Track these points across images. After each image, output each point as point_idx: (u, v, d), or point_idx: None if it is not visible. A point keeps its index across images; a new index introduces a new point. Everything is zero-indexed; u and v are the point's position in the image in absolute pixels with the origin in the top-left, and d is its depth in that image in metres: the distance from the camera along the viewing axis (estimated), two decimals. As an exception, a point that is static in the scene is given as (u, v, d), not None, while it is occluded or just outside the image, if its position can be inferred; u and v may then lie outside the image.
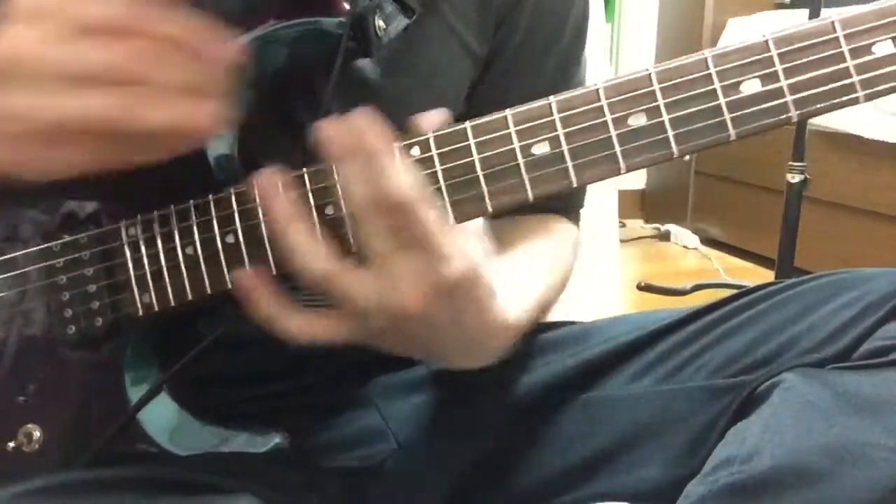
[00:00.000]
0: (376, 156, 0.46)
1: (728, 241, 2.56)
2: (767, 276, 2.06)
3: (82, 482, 0.53)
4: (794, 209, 1.64)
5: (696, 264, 2.50)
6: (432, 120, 0.50)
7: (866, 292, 0.55)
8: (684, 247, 2.64)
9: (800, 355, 0.55)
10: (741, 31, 2.41)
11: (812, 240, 1.83)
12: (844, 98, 0.44)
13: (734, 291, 0.64)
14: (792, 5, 2.39)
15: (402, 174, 0.46)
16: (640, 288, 2.07)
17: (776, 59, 0.45)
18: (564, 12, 0.72)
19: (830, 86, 0.44)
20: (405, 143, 0.49)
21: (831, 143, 2.08)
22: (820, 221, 2.05)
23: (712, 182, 2.65)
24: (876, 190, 2.00)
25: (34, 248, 0.57)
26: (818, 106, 0.45)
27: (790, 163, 1.63)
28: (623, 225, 2.57)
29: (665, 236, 2.75)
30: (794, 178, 1.63)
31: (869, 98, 0.44)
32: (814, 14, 1.53)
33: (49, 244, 0.57)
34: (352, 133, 0.47)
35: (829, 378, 0.52)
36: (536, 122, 0.48)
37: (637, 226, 2.83)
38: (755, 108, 0.45)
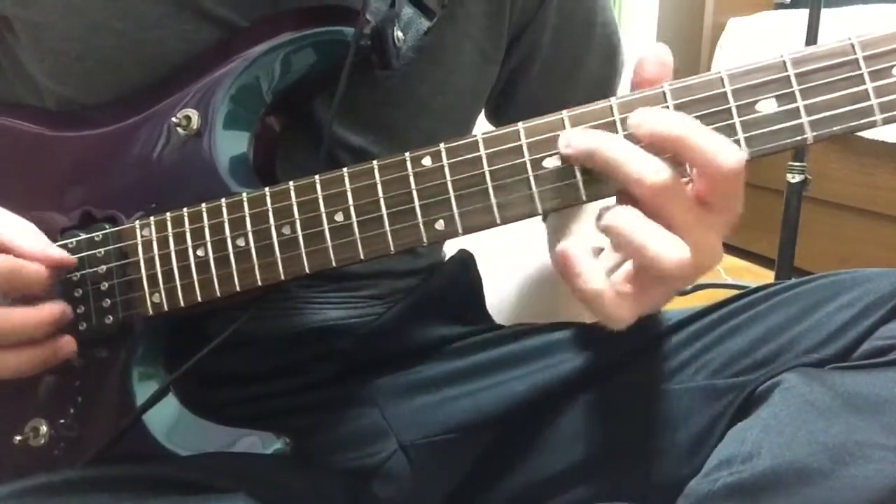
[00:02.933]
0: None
1: (728, 241, 2.53)
2: (767, 276, 2.06)
3: (82, 480, 0.54)
4: (794, 209, 1.64)
5: (696, 264, 2.49)
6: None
7: (866, 293, 0.55)
8: (684, 247, 2.64)
9: (800, 355, 0.55)
10: (741, 31, 2.41)
11: (812, 240, 1.83)
12: (862, 121, 0.44)
13: (734, 291, 0.64)
14: (792, 5, 2.39)
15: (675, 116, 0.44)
16: (640, 288, 2.07)
17: (793, 80, 0.44)
18: (589, 19, 0.73)
19: (848, 108, 0.44)
20: (416, 153, 0.50)
21: (831, 143, 2.08)
22: (820, 221, 2.05)
23: (712, 182, 2.64)
24: (876, 190, 2.00)
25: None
26: (835, 128, 0.44)
27: (790, 163, 1.63)
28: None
29: (665, 236, 2.74)
30: (794, 178, 1.62)
31: (886, 122, 0.43)
32: (814, 14, 1.52)
33: (64, 241, 0.57)
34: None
35: (829, 378, 0.53)
36: (548, 136, 0.47)
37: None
38: (770, 129, 0.44)
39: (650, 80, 0.46)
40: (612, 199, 0.47)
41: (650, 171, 0.43)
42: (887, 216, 1.98)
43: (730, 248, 2.53)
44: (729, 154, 0.43)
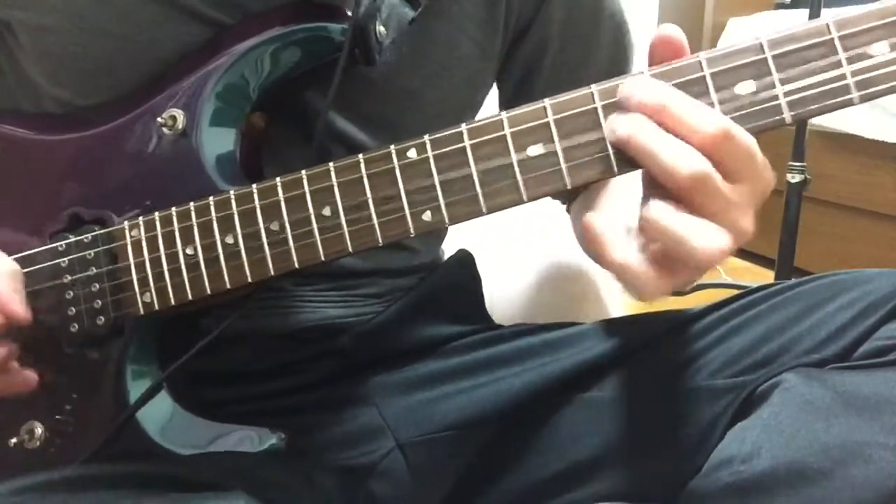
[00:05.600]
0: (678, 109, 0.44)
1: (728, 241, 2.56)
2: (767, 276, 2.06)
3: (80, 478, 0.54)
4: (794, 209, 1.64)
5: (696, 264, 2.49)
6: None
7: (866, 293, 0.55)
8: (684, 247, 2.64)
9: (800, 355, 0.55)
10: (741, 31, 2.41)
11: (812, 240, 1.83)
12: (839, 99, 0.44)
13: (734, 291, 0.64)
14: (792, 5, 2.39)
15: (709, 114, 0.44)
16: (640, 288, 2.07)
17: (770, 61, 0.45)
18: (596, 10, 0.73)
19: (825, 88, 0.44)
20: (401, 145, 0.50)
21: (831, 143, 2.08)
22: (820, 221, 2.05)
23: (712, 182, 2.64)
24: (876, 190, 2.00)
25: (40, 248, 0.58)
26: (813, 107, 0.44)
27: (790, 163, 1.63)
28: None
29: (665, 236, 2.74)
30: (794, 178, 1.63)
31: (864, 99, 0.44)
32: (814, 14, 1.53)
33: (54, 244, 0.57)
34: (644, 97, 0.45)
35: (829, 378, 0.52)
36: (531, 124, 0.48)
37: (637, 226, 2.83)
38: (749, 110, 0.45)
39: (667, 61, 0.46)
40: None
41: (683, 163, 0.43)
42: (887, 216, 1.98)
43: (730, 248, 2.53)
44: (706, 120, 0.43)
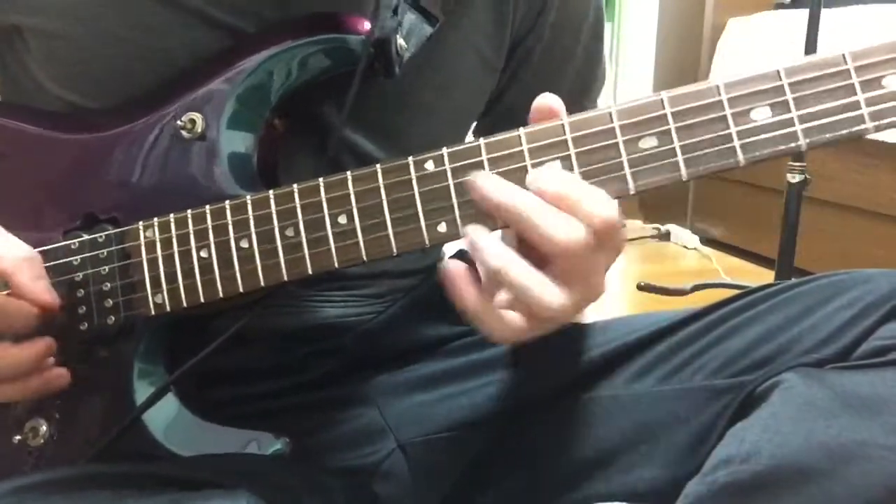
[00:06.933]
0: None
1: (728, 241, 2.56)
2: (767, 276, 2.06)
3: (82, 477, 0.54)
4: (794, 209, 1.64)
5: (696, 264, 2.49)
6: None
7: (865, 293, 0.55)
8: (684, 247, 2.64)
9: (799, 355, 0.55)
10: (741, 32, 2.41)
11: (812, 240, 1.83)
12: (854, 129, 0.45)
13: (734, 292, 0.64)
14: (792, 5, 2.38)
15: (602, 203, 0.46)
16: (640, 288, 2.07)
17: (787, 89, 0.45)
18: (580, 21, 0.73)
19: (840, 116, 0.45)
20: (419, 157, 0.50)
21: (831, 143, 2.08)
22: (820, 221, 2.05)
23: (712, 182, 2.64)
24: (876, 190, 2.00)
25: (53, 245, 0.58)
26: (827, 136, 0.45)
27: (790, 163, 1.62)
28: (623, 225, 2.55)
29: (665, 236, 2.74)
30: (794, 178, 1.62)
31: (878, 129, 0.45)
32: (814, 14, 1.52)
33: (68, 242, 0.57)
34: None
35: (829, 378, 0.52)
36: (548, 142, 0.48)
37: (637, 226, 2.82)
38: (765, 136, 0.46)
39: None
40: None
41: (562, 231, 0.45)
42: (887, 216, 1.98)
43: (730, 248, 2.53)
44: (562, 234, 0.45)
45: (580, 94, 0.75)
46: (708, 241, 2.63)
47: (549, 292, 0.46)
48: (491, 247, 0.46)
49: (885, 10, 1.93)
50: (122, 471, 0.55)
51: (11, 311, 0.53)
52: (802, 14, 1.54)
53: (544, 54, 0.72)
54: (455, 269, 0.48)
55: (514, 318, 0.47)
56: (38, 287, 0.54)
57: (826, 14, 1.54)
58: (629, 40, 2.93)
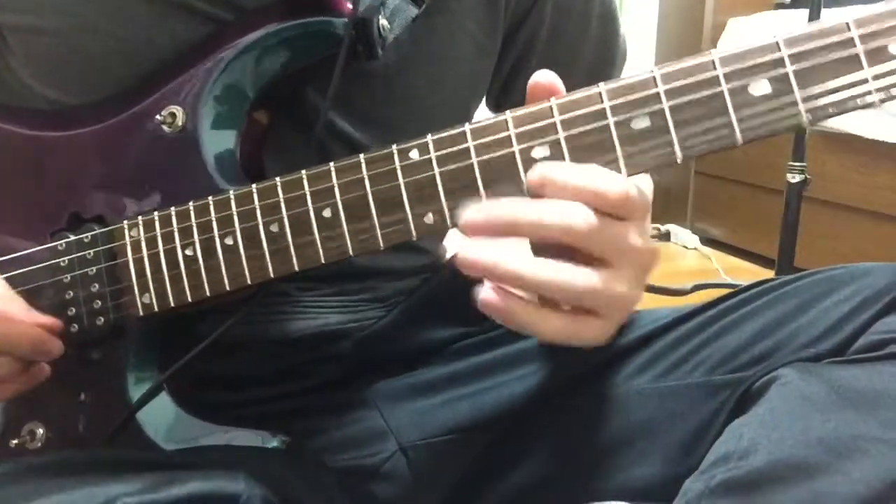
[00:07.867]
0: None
1: (728, 241, 2.56)
2: (767, 276, 2.04)
3: (79, 462, 0.53)
4: (794, 209, 1.64)
5: (696, 264, 2.49)
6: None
7: (862, 287, 0.55)
8: (684, 247, 2.64)
9: (796, 350, 0.55)
10: (741, 31, 2.40)
11: (812, 240, 1.83)
12: (859, 101, 0.42)
13: (734, 291, 0.64)
14: (792, 5, 2.38)
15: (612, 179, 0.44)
16: (640, 288, 2.07)
17: (787, 61, 0.43)
18: (586, 13, 0.73)
19: (845, 89, 0.42)
20: (403, 146, 0.49)
21: (831, 143, 2.08)
22: (820, 221, 2.05)
23: (712, 182, 2.65)
24: (876, 190, 2.00)
25: (39, 247, 0.58)
26: (831, 110, 0.42)
27: (790, 163, 1.62)
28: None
29: (665, 236, 2.74)
30: (794, 178, 1.62)
31: (884, 101, 0.42)
32: (814, 14, 1.52)
33: (54, 243, 0.57)
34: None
35: (826, 372, 0.52)
36: (537, 125, 0.46)
37: (637, 226, 2.83)
38: (764, 112, 0.43)
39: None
40: None
41: (576, 218, 0.43)
42: (887, 216, 1.98)
43: (730, 248, 2.53)
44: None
45: (595, 79, 0.75)
46: (708, 241, 2.63)
47: (581, 276, 0.43)
48: (498, 264, 0.44)
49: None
50: (114, 456, 0.55)
51: (50, 346, 0.55)
52: (802, 14, 1.54)
53: (552, 40, 0.71)
54: (486, 298, 0.44)
55: (561, 316, 0.45)
56: (29, 316, 0.55)
57: (826, 14, 1.54)
58: (629, 40, 2.92)
